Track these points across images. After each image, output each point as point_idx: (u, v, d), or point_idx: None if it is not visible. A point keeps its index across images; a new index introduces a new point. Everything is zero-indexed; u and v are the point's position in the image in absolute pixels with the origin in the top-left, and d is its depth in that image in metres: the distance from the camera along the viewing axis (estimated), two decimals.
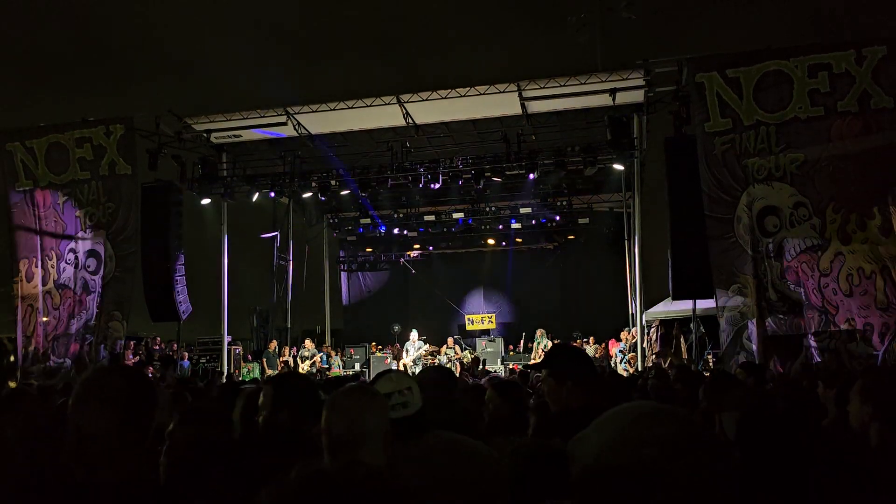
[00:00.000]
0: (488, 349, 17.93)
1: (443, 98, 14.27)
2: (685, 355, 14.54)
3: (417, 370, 16.47)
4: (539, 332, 17.46)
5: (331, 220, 21.95)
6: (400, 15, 23.37)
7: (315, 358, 17.44)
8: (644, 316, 15.53)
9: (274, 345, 17.64)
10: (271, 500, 1.02)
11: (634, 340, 15.38)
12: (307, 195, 17.20)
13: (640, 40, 17.39)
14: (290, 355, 17.68)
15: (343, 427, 2.09)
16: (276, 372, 16.64)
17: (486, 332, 20.42)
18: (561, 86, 13.80)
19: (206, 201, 16.17)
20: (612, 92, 13.50)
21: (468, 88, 14.03)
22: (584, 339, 17.69)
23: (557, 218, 19.96)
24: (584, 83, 13.65)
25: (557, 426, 2.56)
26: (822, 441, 1.93)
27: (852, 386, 2.73)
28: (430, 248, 22.04)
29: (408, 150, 15.58)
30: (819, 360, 10.46)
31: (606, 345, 17.02)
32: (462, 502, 2.10)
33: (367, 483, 1.01)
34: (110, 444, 1.77)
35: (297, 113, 15.05)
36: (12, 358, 15.14)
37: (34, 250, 15.02)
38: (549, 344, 17.06)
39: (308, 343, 17.91)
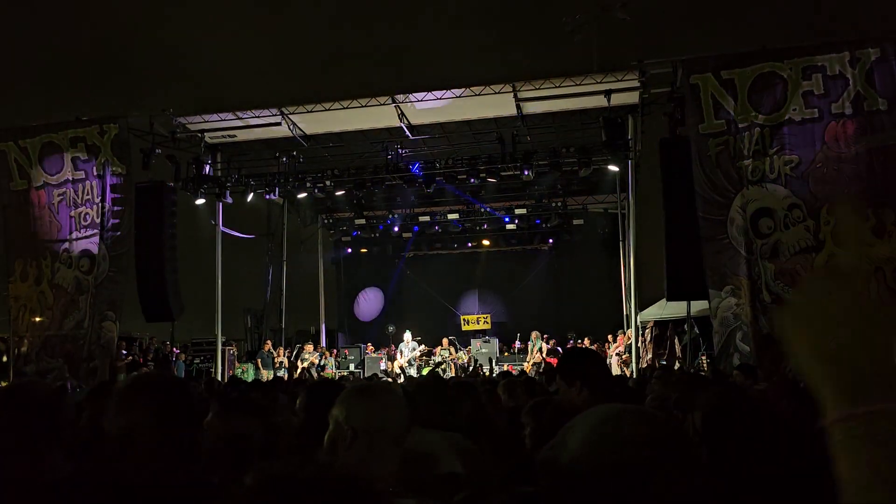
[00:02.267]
0: (483, 350, 17.93)
1: (438, 99, 14.28)
2: (679, 356, 14.57)
3: (413, 371, 16.50)
4: (534, 334, 17.46)
5: (325, 221, 21.91)
6: (395, 15, 23.36)
7: (312, 358, 17.40)
8: (638, 317, 15.55)
9: (268, 345, 17.62)
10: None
11: (629, 341, 15.41)
12: (302, 195, 17.19)
13: (634, 42, 17.41)
14: (284, 356, 17.66)
15: (362, 422, 2.09)
16: (271, 372, 16.62)
17: (481, 333, 20.42)
18: (556, 87, 13.81)
19: (200, 201, 16.14)
20: (607, 93, 13.51)
21: (463, 89, 14.04)
22: (579, 340, 17.71)
23: (552, 219, 19.98)
24: (579, 84, 13.66)
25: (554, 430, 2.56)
26: (796, 439, 1.93)
27: None
28: (425, 248, 22.03)
29: (403, 150, 15.58)
30: None
31: (610, 343, 17.03)
32: None
33: (326, 485, 1.00)
34: (152, 448, 1.84)
35: (292, 113, 15.03)
36: (4, 358, 15.08)
37: (29, 250, 14.95)
38: (544, 345, 17.08)
39: (308, 348, 17.89)
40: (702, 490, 1.14)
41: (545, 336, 17.87)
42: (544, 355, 16.61)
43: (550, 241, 21.32)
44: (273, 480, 0.99)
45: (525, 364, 16.58)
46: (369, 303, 22.95)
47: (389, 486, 1.99)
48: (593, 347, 17.01)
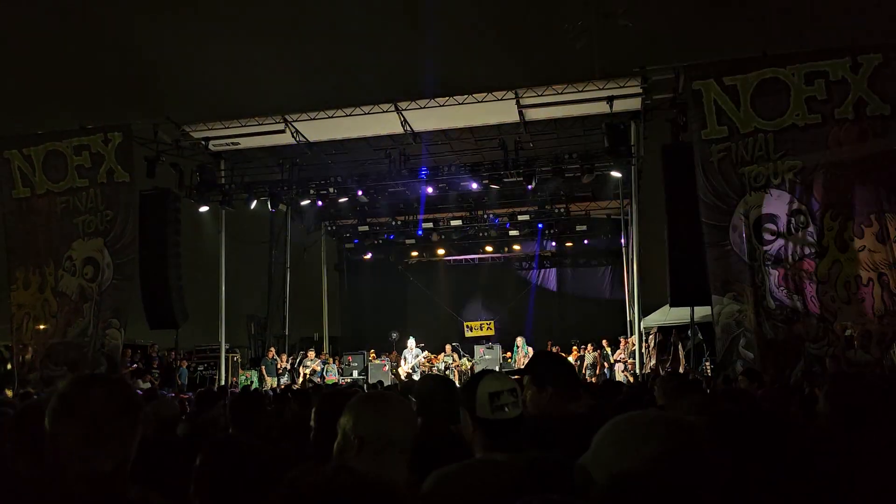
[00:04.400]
0: (486, 356, 17.91)
1: (441, 105, 14.30)
2: (683, 363, 14.53)
3: (416, 377, 16.47)
4: (519, 339, 17.51)
5: (329, 228, 21.96)
6: (397, 22, 23.42)
7: (314, 366, 17.39)
8: (642, 323, 15.53)
9: (272, 352, 17.62)
10: None
11: (633, 348, 15.39)
12: (305, 202, 17.23)
13: (637, 48, 17.41)
14: (287, 362, 17.66)
15: (369, 430, 2.08)
16: (275, 379, 16.60)
17: (484, 340, 20.40)
18: (558, 93, 13.82)
19: (204, 209, 16.18)
20: (610, 99, 13.52)
21: (466, 96, 14.06)
22: (583, 346, 17.69)
23: (555, 225, 20.00)
24: (582, 91, 13.67)
25: (554, 435, 2.54)
26: (789, 444, 1.93)
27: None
28: (428, 255, 22.04)
29: (406, 157, 15.61)
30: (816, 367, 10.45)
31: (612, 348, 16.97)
32: None
33: (356, 490, 1.00)
34: (85, 460, 1.72)
35: (296, 121, 15.07)
36: (9, 366, 15.10)
37: (32, 258, 14.99)
38: (530, 350, 17.10)
39: (311, 354, 17.89)
40: (720, 493, 1.15)
41: (549, 342, 17.87)
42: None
43: (553, 246, 21.32)
44: (307, 485, 1.00)
45: (514, 370, 16.51)
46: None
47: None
48: (595, 354, 17.01)
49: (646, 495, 1.10)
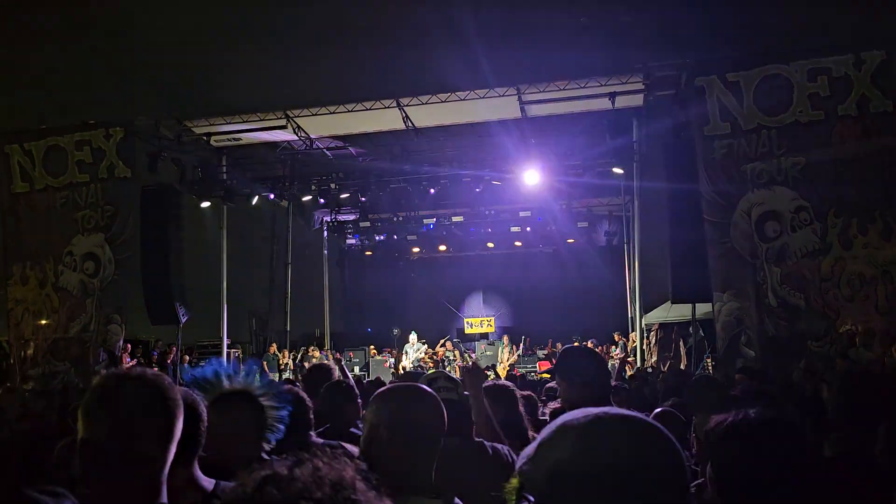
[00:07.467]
0: (487, 352, 17.94)
1: (442, 102, 14.28)
2: (684, 360, 14.53)
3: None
4: (505, 338, 17.75)
5: (330, 223, 21.96)
6: (400, 18, 23.37)
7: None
8: (643, 319, 15.51)
9: (273, 348, 17.64)
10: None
11: (634, 345, 15.38)
12: (307, 198, 17.21)
13: (639, 44, 17.36)
14: (289, 358, 17.66)
15: (395, 421, 2.07)
16: (277, 375, 16.60)
17: (485, 336, 20.40)
18: (560, 90, 13.80)
19: (205, 204, 16.18)
20: (612, 96, 13.50)
21: (468, 92, 14.04)
22: (584, 343, 17.67)
23: (556, 221, 19.99)
24: (584, 87, 13.65)
25: None
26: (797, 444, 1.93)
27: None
28: (430, 251, 22.04)
29: (407, 153, 15.60)
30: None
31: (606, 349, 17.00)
32: None
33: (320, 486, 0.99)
34: (123, 458, 1.65)
35: (297, 116, 15.05)
36: (12, 361, 15.10)
37: (30, 253, 14.96)
38: (514, 348, 17.25)
39: (315, 353, 17.90)
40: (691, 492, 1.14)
41: (550, 340, 17.90)
42: (513, 357, 16.85)
43: (557, 243, 21.31)
44: (267, 480, 0.98)
45: (498, 367, 16.57)
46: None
47: (430, 486, 2.02)
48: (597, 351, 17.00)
49: (589, 487, 1.09)
